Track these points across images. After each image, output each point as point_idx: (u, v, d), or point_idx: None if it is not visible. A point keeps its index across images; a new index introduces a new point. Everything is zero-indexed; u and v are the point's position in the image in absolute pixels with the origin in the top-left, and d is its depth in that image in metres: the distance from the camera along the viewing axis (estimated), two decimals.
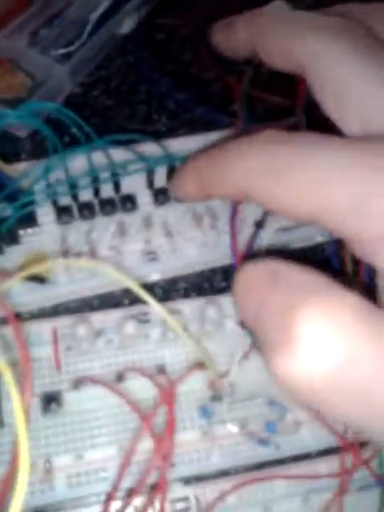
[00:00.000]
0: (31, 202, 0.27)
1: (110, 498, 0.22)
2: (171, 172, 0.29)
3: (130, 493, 0.22)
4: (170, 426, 0.22)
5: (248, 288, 0.17)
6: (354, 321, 0.14)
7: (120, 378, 0.24)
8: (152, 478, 0.22)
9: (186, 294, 0.29)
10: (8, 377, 0.15)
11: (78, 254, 0.27)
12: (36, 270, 0.21)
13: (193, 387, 0.25)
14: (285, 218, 0.21)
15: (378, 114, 0.19)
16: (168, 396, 0.22)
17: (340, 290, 0.15)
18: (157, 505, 0.22)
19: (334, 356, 0.14)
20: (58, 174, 0.28)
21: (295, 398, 0.15)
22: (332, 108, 0.20)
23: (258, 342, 0.16)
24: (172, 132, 0.34)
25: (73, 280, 0.27)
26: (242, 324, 0.26)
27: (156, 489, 0.21)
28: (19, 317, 0.27)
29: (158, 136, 0.31)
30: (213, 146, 0.22)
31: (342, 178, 0.16)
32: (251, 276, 0.17)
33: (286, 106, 0.35)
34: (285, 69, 0.22)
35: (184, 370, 0.25)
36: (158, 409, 0.22)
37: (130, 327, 0.25)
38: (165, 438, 0.21)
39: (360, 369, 0.14)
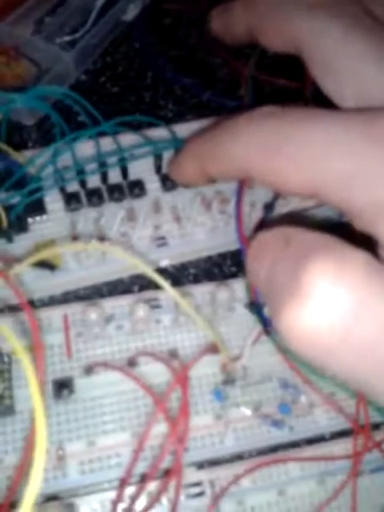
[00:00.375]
0: (39, 189, 0.26)
1: (123, 483, 0.22)
2: None
3: (144, 478, 0.22)
4: (185, 408, 0.21)
5: (261, 251, 0.17)
6: (363, 275, 0.14)
7: (132, 363, 0.24)
8: (165, 463, 0.22)
9: (196, 280, 0.29)
10: (26, 362, 0.15)
11: (86, 241, 0.27)
12: (46, 255, 0.21)
13: (206, 371, 0.25)
14: (286, 193, 0.21)
15: (373, 88, 0.19)
16: (181, 378, 0.22)
17: (351, 247, 0.15)
18: (171, 490, 0.22)
19: (342, 308, 0.14)
20: (65, 161, 0.28)
21: (301, 353, 0.15)
22: (328, 84, 0.20)
23: (268, 304, 0.16)
24: (179, 117, 0.34)
25: (82, 267, 0.27)
26: (250, 306, 0.26)
27: (170, 473, 0.21)
28: (31, 304, 0.26)
29: (165, 121, 0.30)
30: (209, 127, 0.22)
31: (341, 150, 0.16)
32: (264, 240, 0.17)
33: (294, 89, 0.34)
34: (282, 49, 0.22)
35: (197, 353, 0.24)
36: (171, 391, 0.22)
37: (141, 312, 0.24)
38: (179, 420, 0.21)
39: (367, 323, 0.13)
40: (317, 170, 0.17)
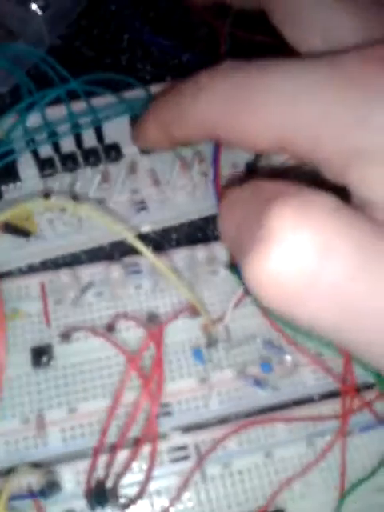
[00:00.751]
0: (10, 152, 0.25)
1: (98, 448, 0.21)
2: None
3: (119, 440, 0.22)
4: (158, 364, 0.21)
5: (231, 206, 0.16)
6: (327, 217, 0.13)
7: (110, 328, 0.24)
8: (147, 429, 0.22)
9: (179, 245, 0.28)
10: None
11: (63, 209, 0.26)
12: (16, 213, 0.20)
13: (189, 335, 0.24)
14: (254, 150, 0.19)
15: (342, 34, 0.18)
16: (156, 335, 0.22)
17: (318, 192, 0.14)
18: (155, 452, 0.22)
19: (306, 252, 0.13)
20: (37, 124, 0.27)
21: (270, 305, 0.14)
22: (296, 35, 0.19)
23: (238, 260, 0.15)
24: (158, 79, 0.32)
25: (58, 234, 0.26)
26: (231, 268, 0.25)
27: (146, 430, 0.21)
28: (9, 274, 0.26)
29: (143, 84, 0.29)
30: (170, 88, 0.21)
31: (307, 97, 0.15)
32: (233, 196, 0.16)
33: (273, 45, 0.33)
34: (247, 5, 0.22)
35: (174, 313, 0.24)
36: (145, 349, 0.22)
37: (116, 274, 0.24)
38: (152, 376, 0.21)
39: (334, 266, 0.13)
40: (283, 120, 0.16)
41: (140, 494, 0.21)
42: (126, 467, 0.21)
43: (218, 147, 0.27)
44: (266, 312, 0.24)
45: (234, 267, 0.25)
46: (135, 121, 0.28)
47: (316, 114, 0.15)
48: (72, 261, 0.27)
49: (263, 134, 0.16)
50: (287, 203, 0.13)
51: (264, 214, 0.14)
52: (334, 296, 0.13)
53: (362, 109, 0.14)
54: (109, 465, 0.21)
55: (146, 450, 0.21)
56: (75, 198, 0.26)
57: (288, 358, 0.23)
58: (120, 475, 0.21)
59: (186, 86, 0.19)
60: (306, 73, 0.16)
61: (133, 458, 0.21)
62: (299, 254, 0.13)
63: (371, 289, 0.12)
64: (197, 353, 0.23)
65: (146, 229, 0.28)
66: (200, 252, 0.25)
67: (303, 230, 0.13)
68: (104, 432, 0.21)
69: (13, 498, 0.20)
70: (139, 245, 0.21)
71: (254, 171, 0.28)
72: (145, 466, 0.21)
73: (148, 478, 0.21)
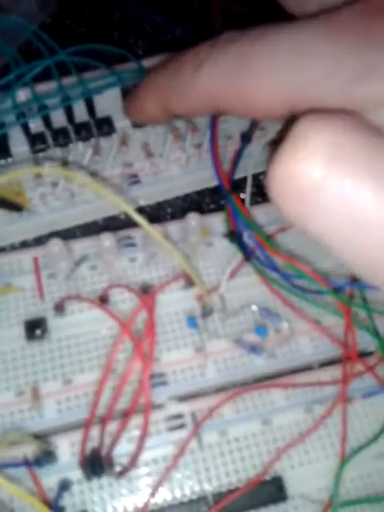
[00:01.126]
0: (1, 125, 0.25)
1: (89, 421, 0.21)
2: None
3: (110, 407, 0.21)
4: (150, 329, 0.20)
5: None
6: (348, 127, 0.13)
7: (104, 299, 0.23)
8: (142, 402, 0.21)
9: (173, 219, 0.28)
10: None
11: (55, 184, 0.26)
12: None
13: (184, 306, 0.24)
14: (259, 116, 0.19)
15: None
16: (148, 301, 0.21)
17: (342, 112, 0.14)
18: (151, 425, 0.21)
19: (320, 155, 0.13)
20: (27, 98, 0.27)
21: (282, 206, 0.14)
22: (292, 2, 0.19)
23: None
24: (151, 55, 0.32)
25: (50, 209, 0.26)
26: (230, 236, 0.25)
27: (138, 391, 0.21)
28: (1, 250, 0.26)
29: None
30: (167, 61, 0.20)
31: (312, 53, 0.15)
32: None
33: (266, 18, 0.32)
34: None
35: (167, 281, 0.24)
36: (137, 314, 0.21)
37: (107, 242, 0.23)
38: (145, 339, 0.20)
39: (341, 172, 0.13)
40: (289, 81, 0.15)
41: (133, 462, 0.20)
42: (118, 435, 0.21)
43: (214, 119, 0.27)
44: (264, 275, 0.24)
45: (233, 234, 0.25)
46: (127, 94, 0.28)
47: (322, 69, 0.15)
48: (66, 236, 0.27)
49: (271, 98, 0.16)
50: (315, 114, 0.14)
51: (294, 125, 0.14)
52: (341, 203, 0.13)
53: (370, 56, 0.14)
54: (103, 434, 0.21)
55: (140, 419, 0.21)
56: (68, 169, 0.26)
57: (285, 324, 0.23)
58: (114, 444, 0.21)
59: (186, 58, 0.18)
60: (305, 31, 0.16)
61: (124, 425, 0.21)
62: (316, 154, 0.13)
63: (377, 200, 0.12)
64: (191, 320, 0.23)
65: (139, 202, 0.27)
66: (194, 221, 0.25)
67: (324, 132, 0.13)
68: (96, 401, 0.21)
69: (7, 465, 0.19)
70: (134, 214, 0.21)
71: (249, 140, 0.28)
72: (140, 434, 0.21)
73: (141, 445, 0.21)
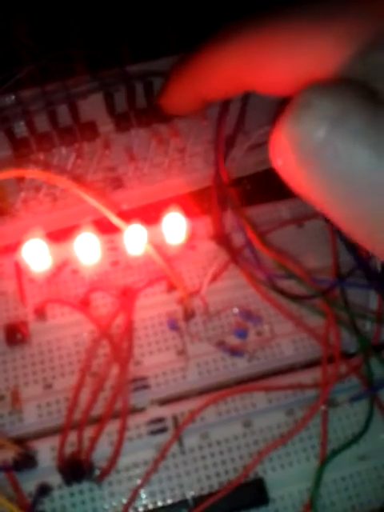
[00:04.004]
0: None
1: (66, 425, 0.21)
2: (131, 97, 0.28)
3: (86, 410, 0.21)
4: (128, 330, 0.20)
5: None
6: (353, 95, 0.14)
7: (85, 302, 0.23)
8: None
9: (157, 223, 0.28)
10: None
11: (37, 188, 0.26)
12: None
13: (166, 310, 0.24)
14: (283, 92, 0.20)
15: None
16: (126, 302, 0.21)
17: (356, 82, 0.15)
18: (132, 429, 0.21)
19: (324, 116, 0.14)
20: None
21: (286, 172, 0.15)
22: None
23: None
24: (135, 60, 0.32)
25: (32, 214, 0.26)
26: (217, 238, 0.25)
27: (115, 391, 0.21)
28: None
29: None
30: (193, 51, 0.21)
31: (328, 27, 0.16)
32: None
33: None
34: None
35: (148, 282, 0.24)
36: (116, 316, 0.21)
37: (95, 253, 0.23)
38: (122, 339, 0.20)
39: (341, 134, 0.13)
40: (303, 52, 0.16)
41: (111, 466, 0.20)
42: (96, 439, 0.21)
43: (221, 113, 0.26)
44: (250, 278, 0.24)
45: (220, 237, 0.25)
46: (110, 98, 0.28)
47: (334, 40, 0.16)
48: (48, 240, 0.27)
49: (288, 73, 0.17)
50: (323, 81, 0.15)
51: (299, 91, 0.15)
52: (339, 162, 0.14)
53: (380, 25, 0.15)
54: (81, 438, 0.21)
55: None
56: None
57: (266, 327, 0.23)
58: (93, 448, 0.21)
59: (212, 41, 0.20)
60: (318, 5, 0.17)
61: (101, 429, 0.21)
62: (317, 119, 0.14)
63: (371, 162, 0.13)
64: (172, 323, 0.23)
65: (123, 206, 0.27)
66: (176, 224, 0.25)
67: (326, 98, 0.14)
68: (71, 406, 0.21)
69: None
70: (115, 219, 0.21)
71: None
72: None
73: (118, 449, 0.20)
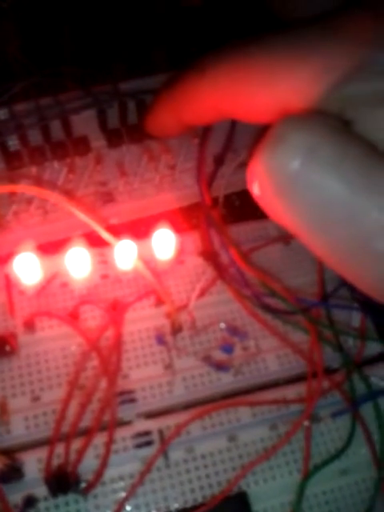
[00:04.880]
0: None
1: (53, 438, 0.21)
2: (123, 113, 0.28)
3: (74, 423, 0.21)
4: (117, 344, 0.21)
5: None
6: (325, 129, 0.14)
7: (74, 315, 0.24)
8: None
9: (146, 238, 0.28)
10: None
11: (28, 201, 0.27)
12: None
13: (154, 324, 0.24)
14: (262, 120, 0.20)
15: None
16: (116, 316, 0.22)
17: (326, 114, 0.15)
18: (118, 441, 0.22)
19: (297, 149, 0.14)
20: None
21: (260, 194, 0.15)
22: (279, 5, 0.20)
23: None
24: (128, 77, 0.33)
25: (24, 226, 0.26)
26: (205, 255, 0.26)
27: (102, 404, 0.21)
28: None
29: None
30: (176, 75, 0.22)
31: (306, 59, 0.16)
32: None
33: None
34: None
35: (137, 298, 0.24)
36: (105, 330, 0.22)
37: (85, 266, 0.24)
38: (111, 354, 0.21)
39: (313, 167, 0.14)
40: (282, 83, 0.17)
41: (97, 479, 0.21)
42: (83, 452, 0.21)
43: (204, 137, 0.27)
44: (237, 293, 0.24)
45: (208, 253, 0.25)
46: (103, 113, 0.28)
47: (313, 71, 0.16)
48: (38, 253, 0.27)
49: (267, 102, 0.17)
50: (296, 116, 0.15)
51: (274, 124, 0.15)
52: (313, 193, 0.14)
53: (358, 57, 0.16)
54: (68, 451, 0.21)
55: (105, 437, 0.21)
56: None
57: (251, 342, 0.23)
58: (79, 460, 0.21)
59: (192, 70, 0.20)
60: (298, 36, 0.17)
61: (89, 442, 0.21)
62: (290, 151, 0.14)
63: (344, 192, 0.14)
64: (160, 337, 0.23)
65: (113, 221, 0.28)
66: (165, 239, 0.26)
67: (299, 131, 0.14)
68: (59, 418, 0.21)
69: None
70: (104, 233, 0.22)
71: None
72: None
73: (104, 462, 0.21)
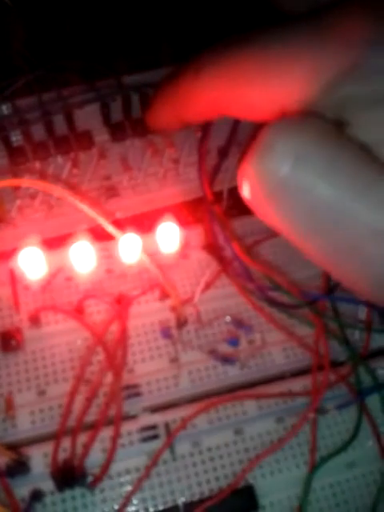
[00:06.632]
0: None
1: (59, 432, 0.21)
2: (127, 107, 0.28)
3: (80, 417, 0.21)
4: (122, 338, 0.21)
5: None
6: (315, 133, 0.14)
7: (79, 309, 0.24)
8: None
9: (150, 232, 0.28)
10: None
11: (33, 196, 0.26)
12: None
13: (159, 318, 0.24)
14: (258, 118, 0.20)
15: None
16: (121, 310, 0.22)
17: (318, 117, 0.15)
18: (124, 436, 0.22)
19: (286, 156, 0.14)
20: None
21: (252, 201, 0.15)
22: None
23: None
24: (131, 71, 0.33)
25: (28, 221, 0.26)
26: (208, 248, 0.25)
27: (108, 398, 0.21)
28: None
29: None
30: (174, 72, 0.22)
31: (299, 58, 0.16)
32: None
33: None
34: None
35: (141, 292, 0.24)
36: (111, 323, 0.22)
37: (90, 260, 0.24)
38: (116, 348, 0.21)
39: (302, 172, 0.14)
40: (276, 82, 0.17)
41: (103, 473, 0.21)
42: (89, 446, 0.21)
43: (205, 131, 0.27)
44: (241, 287, 0.24)
45: (212, 247, 0.25)
46: (106, 108, 0.28)
47: (306, 71, 0.16)
48: (43, 247, 0.27)
49: (262, 101, 0.17)
50: (284, 120, 0.15)
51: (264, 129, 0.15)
52: (303, 197, 0.14)
53: (351, 57, 0.15)
54: (74, 445, 0.21)
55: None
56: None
57: (257, 335, 0.23)
58: (86, 454, 0.21)
59: (189, 68, 0.20)
60: (293, 34, 0.17)
61: (95, 436, 0.21)
62: (280, 157, 0.14)
63: (333, 195, 0.14)
64: (165, 331, 0.23)
65: (117, 215, 0.28)
66: (170, 233, 0.26)
67: (290, 136, 0.14)
68: (65, 412, 0.21)
69: None
70: (109, 227, 0.22)
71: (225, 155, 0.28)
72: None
73: (111, 456, 0.21)
